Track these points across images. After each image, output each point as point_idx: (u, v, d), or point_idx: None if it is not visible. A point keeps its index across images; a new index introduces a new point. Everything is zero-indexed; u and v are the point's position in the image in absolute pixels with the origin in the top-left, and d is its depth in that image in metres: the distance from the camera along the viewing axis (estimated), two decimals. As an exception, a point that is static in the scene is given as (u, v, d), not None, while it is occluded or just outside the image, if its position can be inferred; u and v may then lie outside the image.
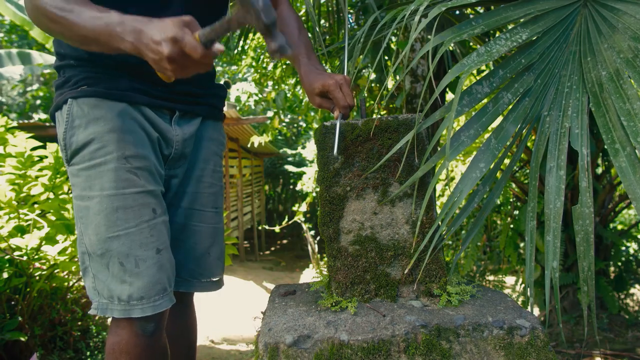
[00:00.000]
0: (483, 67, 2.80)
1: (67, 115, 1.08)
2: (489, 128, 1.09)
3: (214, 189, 1.31)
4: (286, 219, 7.35)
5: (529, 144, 3.23)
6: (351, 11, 3.36)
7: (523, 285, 3.61)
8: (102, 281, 1.06)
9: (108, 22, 0.91)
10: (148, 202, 1.09)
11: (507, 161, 4.59)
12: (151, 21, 0.91)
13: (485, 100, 1.09)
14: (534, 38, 1.11)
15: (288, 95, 4.75)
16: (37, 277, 2.32)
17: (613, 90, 1.00)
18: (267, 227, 8.04)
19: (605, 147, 0.96)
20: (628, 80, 0.99)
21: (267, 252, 9.71)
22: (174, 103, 1.17)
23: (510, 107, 1.09)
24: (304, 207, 7.06)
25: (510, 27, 1.13)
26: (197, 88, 1.23)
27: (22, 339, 2.19)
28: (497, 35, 1.11)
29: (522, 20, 1.13)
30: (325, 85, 1.14)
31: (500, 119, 1.11)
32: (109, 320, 3.52)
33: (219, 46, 0.90)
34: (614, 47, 1.05)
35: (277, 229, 7.24)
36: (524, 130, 1.10)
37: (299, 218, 7.00)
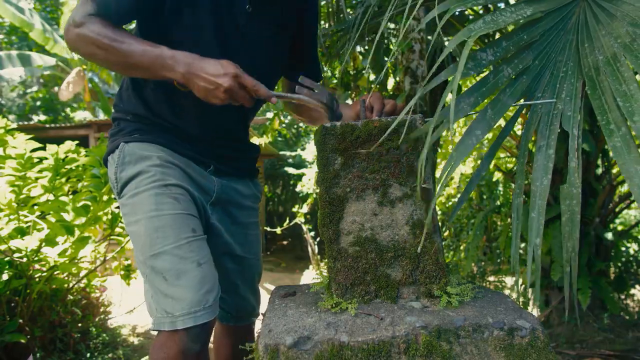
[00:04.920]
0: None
1: (119, 154, 1.22)
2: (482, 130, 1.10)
3: (254, 236, 1.48)
4: (287, 220, 7.31)
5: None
6: (351, 12, 3.36)
7: (523, 285, 3.60)
8: (155, 297, 1.13)
9: (160, 54, 1.07)
10: (187, 223, 1.17)
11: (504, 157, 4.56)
12: (202, 58, 1.08)
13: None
14: (537, 16, 1.14)
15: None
16: (37, 279, 2.32)
17: (610, 72, 1.02)
18: (268, 228, 8.00)
19: (600, 130, 0.98)
20: (625, 63, 1.00)
21: (268, 253, 9.69)
22: (209, 159, 1.32)
23: (508, 82, 1.12)
24: (305, 209, 7.02)
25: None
26: (233, 151, 1.38)
27: (22, 340, 2.19)
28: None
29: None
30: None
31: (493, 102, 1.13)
32: (109, 322, 3.53)
33: (275, 99, 1.11)
34: (612, 33, 1.06)
35: (278, 230, 7.21)
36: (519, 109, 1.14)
37: (300, 220, 6.97)
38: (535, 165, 1.05)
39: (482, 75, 1.15)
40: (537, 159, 1.05)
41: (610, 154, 3.26)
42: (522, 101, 1.11)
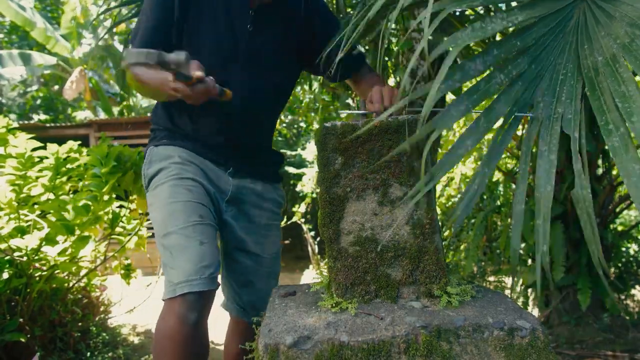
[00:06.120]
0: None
1: (147, 156, 1.44)
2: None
3: (272, 237, 1.57)
4: (285, 219, 7.29)
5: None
6: (351, 12, 3.36)
7: (523, 286, 3.61)
8: (164, 272, 1.27)
9: (160, 76, 1.19)
10: (196, 210, 1.31)
11: (508, 161, 4.56)
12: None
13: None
14: (530, 22, 1.12)
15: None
16: (37, 278, 2.31)
17: (609, 73, 1.01)
18: None
19: (600, 129, 0.96)
20: (624, 64, 1.00)
21: (267, 253, 9.68)
22: (228, 161, 1.45)
23: (502, 89, 1.09)
24: (302, 208, 7.03)
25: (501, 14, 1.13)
26: (251, 155, 1.50)
27: (22, 340, 2.19)
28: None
29: (519, 2, 1.13)
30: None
31: (487, 102, 1.11)
32: (109, 321, 3.53)
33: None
34: (611, 35, 1.06)
35: None
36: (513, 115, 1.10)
37: (298, 219, 6.96)
38: (538, 171, 1.03)
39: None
40: (539, 164, 1.03)
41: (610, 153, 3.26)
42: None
